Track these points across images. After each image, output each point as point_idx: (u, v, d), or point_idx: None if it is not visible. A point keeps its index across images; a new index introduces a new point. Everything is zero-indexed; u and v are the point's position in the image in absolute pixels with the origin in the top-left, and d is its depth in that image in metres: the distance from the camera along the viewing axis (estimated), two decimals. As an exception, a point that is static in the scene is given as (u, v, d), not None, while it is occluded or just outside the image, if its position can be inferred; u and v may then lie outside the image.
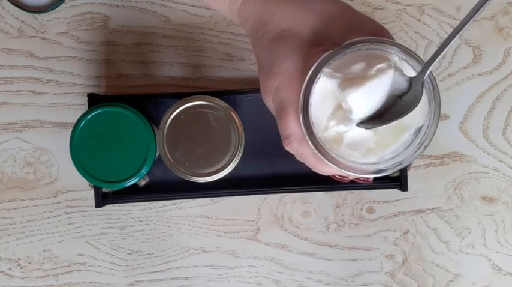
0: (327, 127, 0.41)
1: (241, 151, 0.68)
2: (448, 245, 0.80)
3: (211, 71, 0.80)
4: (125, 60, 0.79)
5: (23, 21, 0.79)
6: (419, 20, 0.79)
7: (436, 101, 0.40)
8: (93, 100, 0.73)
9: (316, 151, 0.41)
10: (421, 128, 0.41)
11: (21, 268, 0.79)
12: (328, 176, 0.48)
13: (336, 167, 0.41)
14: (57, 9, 0.78)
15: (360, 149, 0.41)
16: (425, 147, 0.41)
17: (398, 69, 0.40)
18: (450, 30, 0.79)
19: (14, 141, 0.79)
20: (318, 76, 0.40)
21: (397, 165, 0.41)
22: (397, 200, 0.80)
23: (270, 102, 0.45)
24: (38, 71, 0.79)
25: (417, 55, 0.41)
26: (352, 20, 0.43)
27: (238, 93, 0.75)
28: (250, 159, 0.74)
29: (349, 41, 0.40)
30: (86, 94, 0.75)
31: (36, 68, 0.79)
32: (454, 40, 0.39)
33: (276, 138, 0.80)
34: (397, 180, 0.75)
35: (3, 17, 0.79)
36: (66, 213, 0.79)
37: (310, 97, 0.40)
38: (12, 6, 0.77)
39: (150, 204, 0.80)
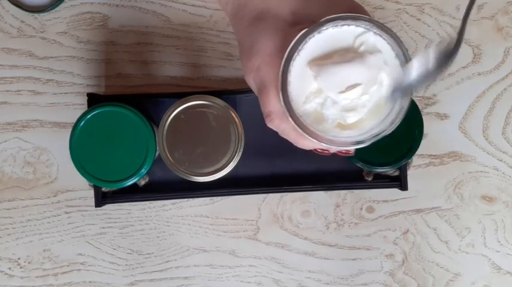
0: (305, 102, 0.43)
1: (241, 151, 0.68)
2: (448, 244, 0.80)
3: (211, 70, 0.80)
4: (124, 60, 0.79)
5: (22, 21, 0.79)
6: (419, 19, 0.79)
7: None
8: (93, 100, 0.73)
9: (296, 126, 0.42)
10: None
11: (21, 267, 0.80)
12: (311, 151, 0.49)
13: (316, 141, 0.43)
14: (57, 8, 0.78)
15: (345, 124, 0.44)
16: (401, 119, 0.42)
17: (371, 51, 0.42)
18: (450, 30, 0.79)
19: (13, 141, 0.79)
20: (296, 54, 0.42)
21: (374, 136, 0.43)
22: (397, 199, 0.80)
23: (251, 82, 0.46)
24: (38, 71, 0.79)
25: (390, 30, 0.42)
26: None
27: (238, 93, 0.75)
28: (250, 158, 0.74)
29: (325, 18, 0.41)
30: (85, 94, 0.75)
31: (35, 68, 0.79)
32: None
33: (276, 138, 0.80)
34: (397, 179, 0.75)
35: (3, 16, 0.79)
36: (66, 213, 0.79)
37: (289, 75, 0.42)
38: (12, 5, 0.77)
39: (149, 203, 0.80)
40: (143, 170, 0.70)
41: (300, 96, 0.42)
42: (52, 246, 0.80)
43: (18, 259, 0.80)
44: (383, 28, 0.42)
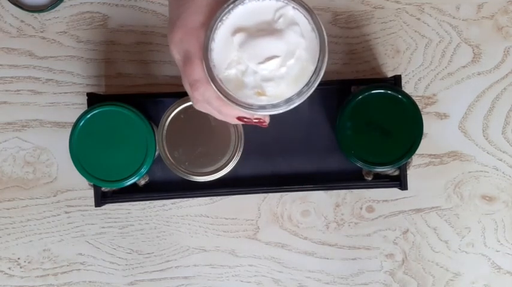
0: (227, 68, 0.46)
1: (241, 150, 0.68)
2: (448, 244, 0.80)
3: (211, 70, 0.80)
4: (124, 60, 0.79)
5: (22, 21, 0.79)
6: (418, 19, 0.79)
7: (322, 44, 0.45)
8: (93, 99, 0.73)
9: (218, 92, 0.46)
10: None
11: (20, 267, 0.80)
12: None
13: (236, 106, 0.46)
14: (57, 8, 0.78)
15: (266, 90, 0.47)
16: (314, 86, 0.46)
17: (291, 23, 0.46)
18: (450, 29, 0.79)
19: (13, 141, 0.79)
20: (220, 23, 0.46)
21: (288, 101, 0.46)
22: (397, 199, 0.80)
23: (175, 54, 0.50)
24: (38, 71, 0.79)
25: (307, 4, 0.46)
26: None
27: (238, 93, 0.75)
28: (250, 158, 0.74)
29: None
30: (85, 93, 0.75)
31: (35, 68, 0.79)
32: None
33: (276, 138, 0.80)
34: (397, 179, 0.75)
35: (3, 16, 0.79)
36: (66, 212, 0.80)
37: (212, 42, 0.46)
38: (12, 5, 0.77)
39: (149, 203, 0.80)
40: (143, 170, 0.70)
41: (222, 63, 0.46)
42: (52, 246, 0.80)
43: (18, 258, 0.80)
44: (300, 3, 0.46)
